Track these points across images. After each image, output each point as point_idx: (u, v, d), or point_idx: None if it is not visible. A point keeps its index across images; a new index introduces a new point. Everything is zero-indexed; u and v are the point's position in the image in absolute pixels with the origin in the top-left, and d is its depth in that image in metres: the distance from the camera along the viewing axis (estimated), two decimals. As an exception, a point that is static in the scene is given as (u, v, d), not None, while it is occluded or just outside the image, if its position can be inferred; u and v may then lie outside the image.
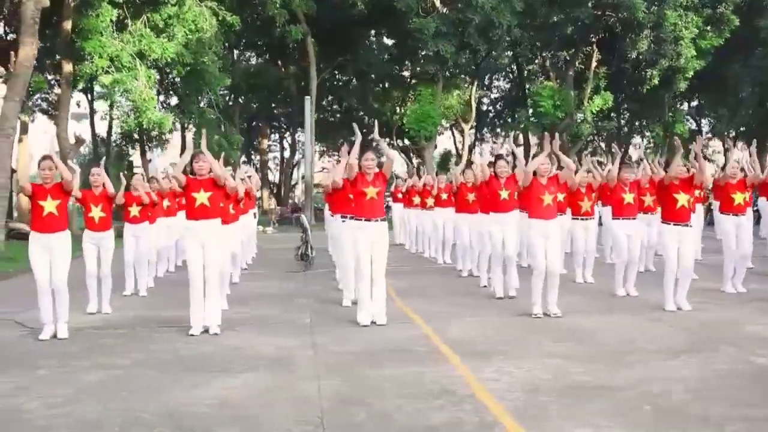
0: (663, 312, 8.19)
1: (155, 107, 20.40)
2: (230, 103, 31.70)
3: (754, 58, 28.96)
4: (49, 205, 7.13)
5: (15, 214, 24.63)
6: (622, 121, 35.53)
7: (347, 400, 4.99)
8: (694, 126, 37.70)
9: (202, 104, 24.76)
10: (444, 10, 26.11)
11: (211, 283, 7.35)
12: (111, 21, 19.93)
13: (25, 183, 7.12)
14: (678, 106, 34.16)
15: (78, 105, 30.82)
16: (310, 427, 4.46)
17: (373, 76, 37.13)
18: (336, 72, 34.98)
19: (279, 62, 33.12)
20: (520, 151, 9.72)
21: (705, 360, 6.00)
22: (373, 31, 33.83)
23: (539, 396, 5.05)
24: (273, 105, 37.15)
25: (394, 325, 7.61)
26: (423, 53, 28.06)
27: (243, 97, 32.85)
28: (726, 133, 37.91)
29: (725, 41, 27.39)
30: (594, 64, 30.01)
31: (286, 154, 47.21)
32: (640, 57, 25.71)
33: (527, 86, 31.55)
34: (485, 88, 44.90)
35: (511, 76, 48.71)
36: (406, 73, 38.41)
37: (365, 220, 7.63)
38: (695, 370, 5.69)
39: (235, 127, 27.86)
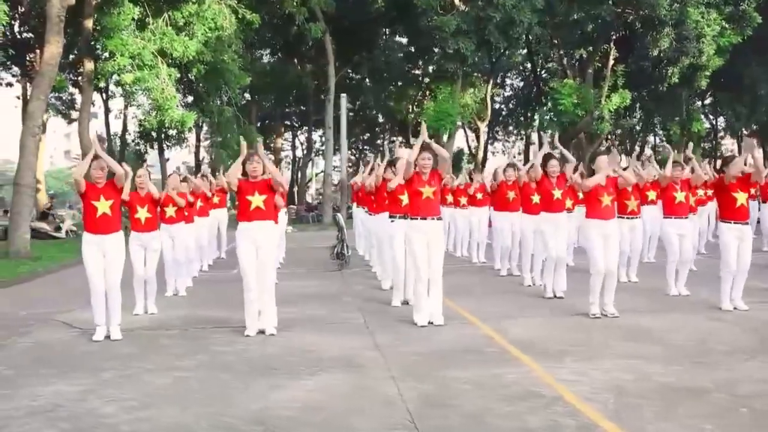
0: (720, 311, 8.05)
1: (177, 105, 20.24)
2: (245, 101, 31.58)
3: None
4: (103, 206, 7.02)
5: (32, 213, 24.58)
6: (634, 120, 35.34)
7: (433, 403, 4.86)
8: (707, 124, 37.51)
9: (218, 102, 24.62)
10: (464, 8, 25.91)
11: (267, 285, 7.23)
12: (133, 19, 19.81)
13: (79, 178, 6.97)
14: (694, 104, 33.91)
15: (93, 104, 30.77)
16: (404, 431, 4.34)
17: (386, 75, 37.11)
18: (350, 71, 34.85)
19: (295, 60, 32.99)
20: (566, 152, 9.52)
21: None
22: (388, 30, 33.72)
23: (628, 398, 4.91)
24: (287, 103, 37.00)
25: (451, 326, 7.48)
26: (439, 51, 27.88)
27: (258, 96, 32.72)
28: (740, 132, 37.85)
29: (743, 39, 27.18)
30: (611, 62, 29.81)
31: (298, 152, 47.27)
32: (661, 55, 25.45)
33: (547, 84, 31.28)
34: (498, 86, 44.81)
35: (524, 74, 48.72)
36: (418, 72, 38.45)
37: (421, 219, 7.50)
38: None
39: (252, 126, 27.74)
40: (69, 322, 8.06)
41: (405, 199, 8.74)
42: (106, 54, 20.80)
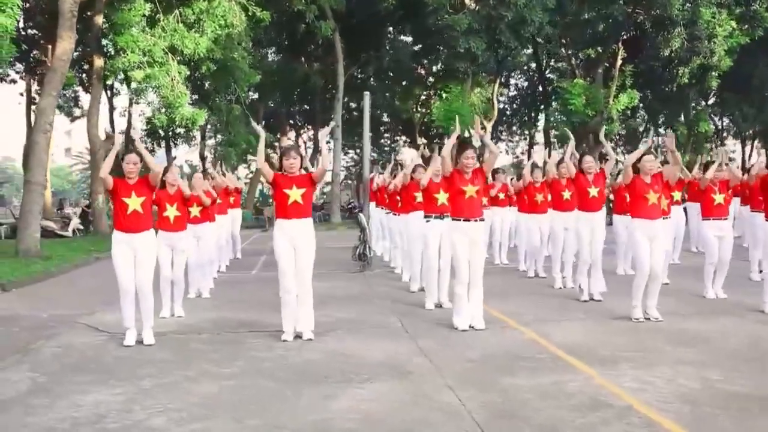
0: (763, 314, 7.85)
1: (187, 103, 19.98)
2: (252, 99, 31.34)
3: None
4: (134, 203, 6.76)
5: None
6: (638, 120, 35.25)
7: (500, 413, 4.63)
8: (713, 125, 37.34)
9: (227, 100, 24.38)
10: (474, 7, 25.70)
11: (306, 287, 6.98)
12: (143, 15, 19.55)
13: (106, 176, 6.72)
14: (701, 104, 33.74)
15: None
16: (479, 445, 4.12)
17: (391, 74, 36.85)
18: (357, 70, 34.61)
19: (302, 59, 32.71)
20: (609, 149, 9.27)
21: None
22: (393, 29, 33.47)
23: (701, 408, 4.69)
24: (293, 102, 36.75)
25: (492, 330, 7.26)
26: (446, 51, 27.62)
27: (264, 94, 32.43)
28: (744, 133, 37.74)
29: (751, 39, 27.01)
30: (619, 62, 29.64)
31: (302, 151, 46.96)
32: (672, 55, 25.25)
33: (555, 84, 31.08)
34: (502, 86, 44.59)
35: (528, 73, 48.53)
36: (423, 72, 38.22)
37: (464, 220, 7.26)
38: None
39: (275, 124, 27.49)
40: (95, 325, 7.81)
41: (441, 198, 8.53)
42: (113, 51, 20.56)
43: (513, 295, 9.50)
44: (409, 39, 34.84)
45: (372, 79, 36.86)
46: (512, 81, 49.27)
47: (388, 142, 52.38)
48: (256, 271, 13.26)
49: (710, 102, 37.70)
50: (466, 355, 6.24)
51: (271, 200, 35.92)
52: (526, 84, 51.98)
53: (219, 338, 7.15)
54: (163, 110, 20.54)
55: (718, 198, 8.84)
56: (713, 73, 26.03)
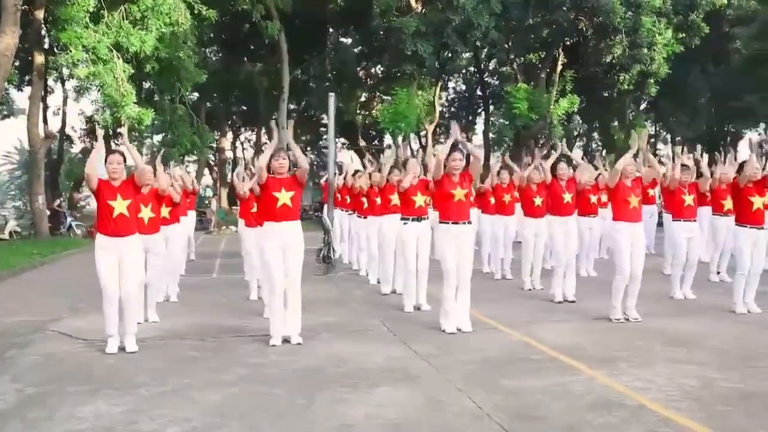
0: (735, 314, 8.11)
1: (134, 102, 19.42)
2: (190, 98, 30.74)
3: (712, 66, 29.82)
4: (120, 206, 6.51)
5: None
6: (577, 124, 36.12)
7: (519, 415, 4.63)
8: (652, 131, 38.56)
9: (170, 100, 23.81)
10: (420, 10, 25.83)
11: (295, 290, 6.86)
12: (87, 11, 18.90)
13: (91, 172, 6.43)
14: (637, 110, 34.73)
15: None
16: (511, 448, 4.11)
17: (331, 75, 36.65)
18: (299, 72, 34.34)
19: (245, 59, 32.27)
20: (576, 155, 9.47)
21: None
22: (336, 31, 33.35)
23: (712, 405, 4.80)
24: (232, 102, 36.22)
25: (480, 332, 7.28)
26: (391, 53, 27.67)
27: (206, 94, 31.86)
28: (674, 140, 39.09)
29: (686, 48, 27.97)
30: (560, 67, 30.28)
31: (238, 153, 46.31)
32: (614, 61, 25.96)
33: (501, 88, 31.53)
34: (442, 89, 45.00)
35: (466, 77, 49.08)
36: (364, 75, 38.22)
37: (453, 223, 7.25)
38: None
39: (205, 125, 26.98)
40: (67, 332, 7.49)
41: (418, 200, 8.54)
42: (55, 47, 19.84)
43: (488, 298, 9.51)
44: (348, 41, 34.77)
45: (311, 81, 36.62)
46: (450, 84, 49.84)
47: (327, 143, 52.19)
48: (216, 274, 13.00)
49: (642, 107, 38.93)
50: (464, 358, 6.23)
51: (207, 202, 35.42)
52: (464, 87, 52.60)
53: (206, 344, 6.94)
54: (107, 110, 19.90)
55: (688, 199, 9.09)
56: (651, 80, 26.85)
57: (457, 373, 5.72)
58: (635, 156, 7.99)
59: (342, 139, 49.09)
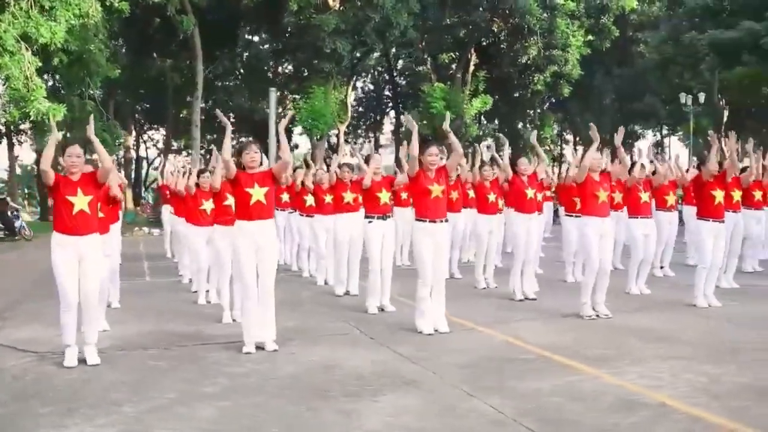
0: (696, 308, 8.25)
1: (43, 96, 18.20)
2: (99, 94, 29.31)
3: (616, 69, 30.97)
4: (81, 202, 5.94)
5: None
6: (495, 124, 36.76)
7: (546, 420, 4.43)
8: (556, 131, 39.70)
9: (79, 95, 22.59)
10: (339, 8, 25.53)
11: (269, 293, 6.45)
12: (-10, 0, 17.63)
13: (48, 168, 5.85)
14: (546, 110, 35.66)
15: None
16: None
17: (238, 72, 35.88)
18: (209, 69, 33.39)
19: (154, 55, 31.04)
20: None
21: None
22: (249, 27, 32.57)
23: (728, 400, 4.76)
24: (139, 99, 34.82)
25: (459, 333, 7.09)
26: (307, 51, 27.25)
27: (113, 90, 30.44)
28: (577, 141, 40.40)
29: (593, 50, 28.89)
30: (472, 67, 30.69)
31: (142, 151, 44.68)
32: (529, 62, 26.51)
33: (418, 87, 31.66)
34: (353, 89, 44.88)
35: (375, 76, 49.15)
36: (275, 72, 37.56)
37: (429, 221, 7.02)
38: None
39: (116, 121, 25.73)
40: (11, 344, 6.79)
41: (383, 197, 8.33)
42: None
43: (450, 297, 9.33)
44: (265, 38, 34.08)
45: (219, 79, 35.71)
46: (358, 84, 49.85)
47: (235, 143, 51.06)
48: (148, 277, 12.30)
49: (545, 107, 40.09)
50: (454, 359, 6.00)
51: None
52: (372, 87, 52.70)
53: (171, 354, 6.43)
54: (13, 104, 18.59)
55: (644, 196, 9.21)
56: (564, 80, 27.58)
57: (455, 375, 5.50)
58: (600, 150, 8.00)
59: (251, 138, 48.23)
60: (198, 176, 9.07)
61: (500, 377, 5.43)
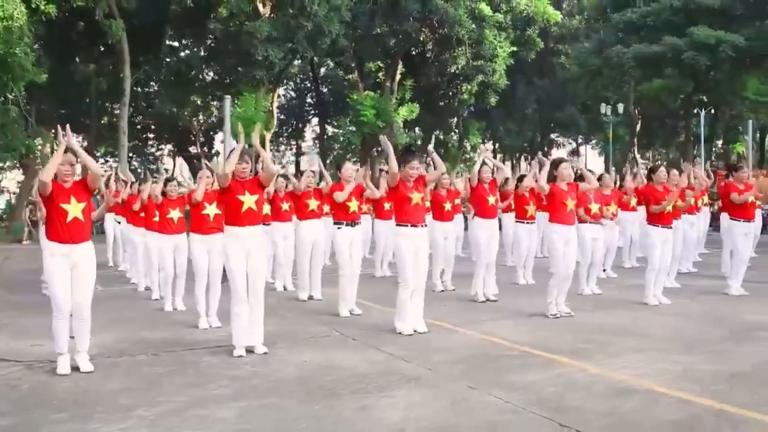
0: (649, 306, 8.82)
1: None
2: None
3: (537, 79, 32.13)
4: (75, 209, 5.93)
5: None
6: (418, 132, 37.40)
7: (551, 407, 4.73)
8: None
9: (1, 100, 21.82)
10: (270, 15, 25.53)
11: (259, 298, 6.59)
12: None
13: (47, 179, 5.79)
14: (468, 118, 36.56)
15: None
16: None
17: (160, 78, 35.23)
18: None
19: (77, 59, 30.14)
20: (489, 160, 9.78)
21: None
22: (176, 33, 32.07)
23: (709, 385, 5.17)
24: (59, 105, 33.71)
25: (438, 333, 7.38)
26: (236, 58, 27.10)
27: (35, 95, 29.37)
28: (496, 148, 41.58)
29: (514, 61, 29.87)
30: (398, 76, 31.23)
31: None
32: (457, 72, 27.20)
33: (348, 96, 31.90)
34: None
35: (297, 84, 49.15)
36: (200, 78, 37.07)
37: (411, 226, 7.30)
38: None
39: (42, 127, 24.87)
40: (-8, 355, 6.67)
41: (353, 206, 8.60)
42: None
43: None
44: (190, 44, 33.59)
45: (139, 85, 34.99)
46: (280, 92, 49.78)
47: (153, 150, 50.22)
48: (100, 287, 11.95)
49: (465, 114, 41.08)
50: (444, 357, 6.26)
51: (26, 204, 32.56)
52: (293, 94, 52.69)
53: (165, 360, 6.44)
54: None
55: (594, 207, 9.79)
56: (490, 90, 28.41)
57: (451, 372, 5.78)
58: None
59: (170, 146, 47.43)
60: (165, 184, 9.08)
61: (494, 372, 5.74)
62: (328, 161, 36.21)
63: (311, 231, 9.70)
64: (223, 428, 4.51)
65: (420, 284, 7.40)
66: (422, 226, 7.37)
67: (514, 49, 28.10)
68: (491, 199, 9.29)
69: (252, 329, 6.56)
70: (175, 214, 8.98)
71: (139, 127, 41.39)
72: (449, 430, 4.39)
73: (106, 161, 48.53)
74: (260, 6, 26.17)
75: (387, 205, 11.45)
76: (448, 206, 10.18)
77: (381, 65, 31.16)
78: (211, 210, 8.03)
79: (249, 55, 24.99)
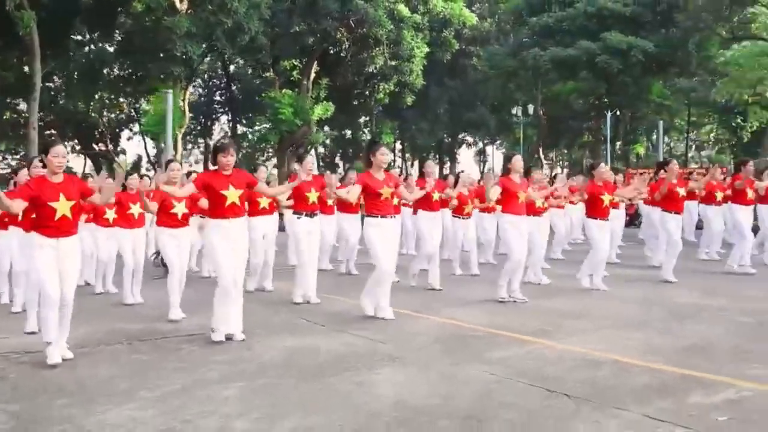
0: (591, 291, 9.59)
1: None
2: None
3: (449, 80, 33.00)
4: (63, 207, 5.90)
5: None
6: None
7: (536, 378, 5.14)
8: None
9: None
10: (186, 10, 25.19)
11: (239, 288, 6.78)
12: None
13: (17, 210, 5.84)
14: (382, 118, 37.10)
15: None
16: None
17: (65, 73, 34.05)
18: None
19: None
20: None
21: (710, 320, 7.32)
22: (86, 27, 31.03)
23: (669, 356, 5.73)
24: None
25: (403, 319, 7.66)
26: (149, 54, 26.58)
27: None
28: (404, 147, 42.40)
29: (428, 62, 30.63)
30: (313, 75, 31.40)
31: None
32: (375, 71, 27.64)
33: (265, 94, 31.74)
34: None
35: (206, 82, 48.48)
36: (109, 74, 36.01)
37: (381, 216, 7.64)
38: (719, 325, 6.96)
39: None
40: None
41: (312, 197, 8.85)
42: None
43: (359, 290, 9.92)
44: (99, 38, 32.60)
45: (43, 79, 33.69)
46: (189, 89, 48.97)
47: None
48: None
49: (377, 113, 41.68)
50: (417, 340, 6.57)
51: None
52: (201, 91, 51.95)
53: (145, 348, 6.47)
54: None
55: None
56: (407, 90, 29.02)
57: (429, 352, 6.13)
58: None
59: (73, 143, 45.78)
60: (125, 179, 9.09)
61: (470, 350, 6.13)
62: (238, 159, 35.93)
63: (261, 226, 9.90)
64: (234, 405, 4.68)
65: (390, 272, 7.71)
66: (392, 216, 7.71)
67: (429, 50, 28.80)
68: (435, 195, 9.78)
69: (232, 318, 6.72)
70: (135, 209, 9.05)
71: (41, 123, 39.79)
72: (450, 399, 4.73)
73: (4, 158, 46.49)
74: (177, 2, 25.78)
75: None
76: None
77: (296, 63, 31.21)
78: (180, 209, 8.12)
79: (166, 51, 24.57)
